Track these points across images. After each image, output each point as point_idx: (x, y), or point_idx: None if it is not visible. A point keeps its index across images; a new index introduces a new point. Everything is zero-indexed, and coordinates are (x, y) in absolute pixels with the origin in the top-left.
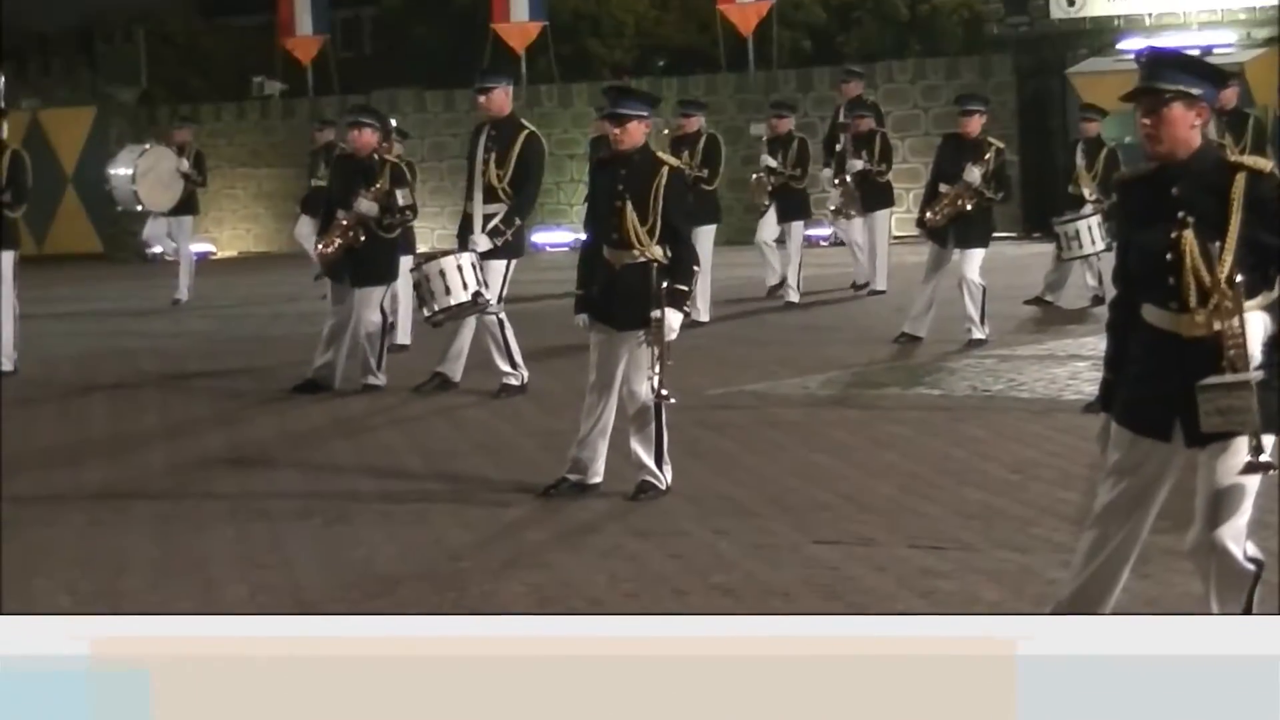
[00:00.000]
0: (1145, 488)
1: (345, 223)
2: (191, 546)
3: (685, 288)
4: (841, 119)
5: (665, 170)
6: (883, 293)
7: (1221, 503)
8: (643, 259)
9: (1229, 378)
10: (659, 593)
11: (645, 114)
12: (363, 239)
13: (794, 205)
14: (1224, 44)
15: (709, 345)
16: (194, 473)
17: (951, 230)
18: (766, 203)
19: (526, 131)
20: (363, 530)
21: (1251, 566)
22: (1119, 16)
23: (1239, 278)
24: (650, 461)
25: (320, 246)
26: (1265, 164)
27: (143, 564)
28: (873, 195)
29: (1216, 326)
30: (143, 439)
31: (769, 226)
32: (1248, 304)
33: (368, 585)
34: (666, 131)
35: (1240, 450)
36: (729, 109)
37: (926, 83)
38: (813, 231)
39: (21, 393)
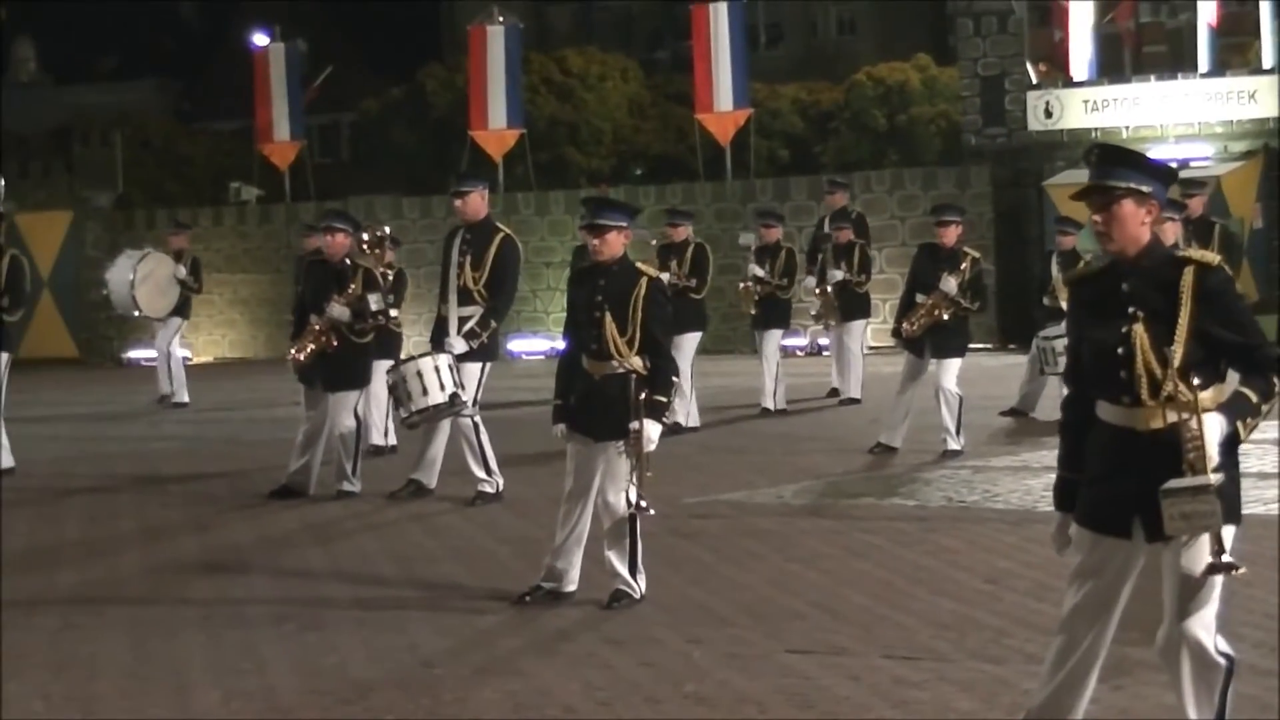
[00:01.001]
0: (1109, 588)
1: (318, 328)
2: (165, 651)
3: (664, 399)
4: (825, 230)
5: (644, 280)
6: (858, 401)
7: (1188, 595)
8: (622, 369)
9: (1191, 481)
10: (632, 701)
11: (625, 224)
12: (335, 344)
13: (776, 314)
14: (1201, 157)
15: (685, 453)
16: (168, 577)
17: (928, 340)
18: (753, 311)
19: (502, 234)
20: (336, 636)
21: (1223, 661)
22: (1096, 129)
23: (1196, 381)
24: (624, 570)
25: (293, 352)
26: (1213, 257)
27: (116, 669)
28: (850, 305)
29: (1170, 419)
30: (118, 543)
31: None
32: (1202, 396)
33: (341, 691)
34: (655, 241)
35: (1203, 544)
36: (706, 217)
37: (904, 192)
38: (789, 341)
39: None
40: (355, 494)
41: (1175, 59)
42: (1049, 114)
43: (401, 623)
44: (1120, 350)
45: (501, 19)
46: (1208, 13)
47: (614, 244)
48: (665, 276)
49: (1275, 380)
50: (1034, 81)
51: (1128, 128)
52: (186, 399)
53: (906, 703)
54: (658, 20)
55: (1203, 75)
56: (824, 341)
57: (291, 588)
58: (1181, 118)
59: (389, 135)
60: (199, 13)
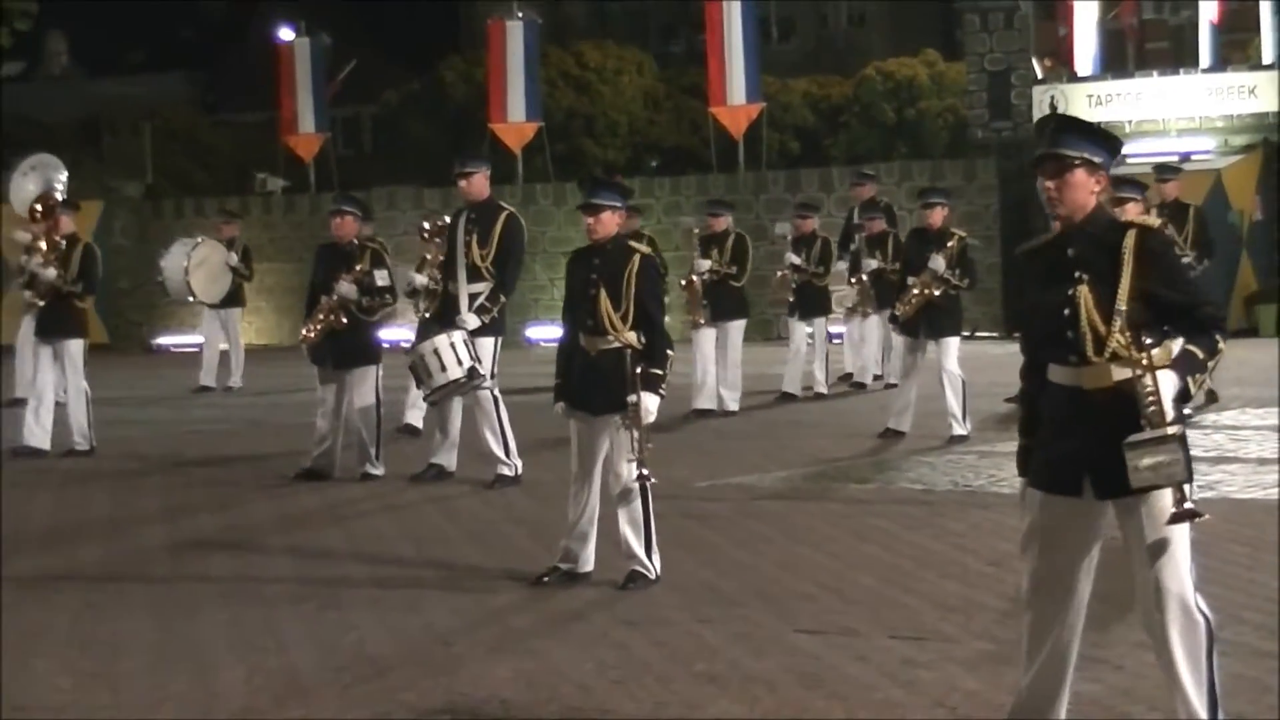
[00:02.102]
0: (1069, 557)
1: (327, 306)
2: (188, 630)
3: (660, 371)
4: (855, 220)
5: (637, 258)
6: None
7: (1159, 553)
8: (617, 344)
9: (1155, 433)
10: (644, 680)
11: (619, 204)
12: (344, 321)
13: (815, 302)
14: (1202, 150)
15: (696, 439)
16: (191, 556)
17: (923, 322)
18: (790, 299)
19: (506, 212)
20: (355, 615)
21: (1203, 619)
22: (1100, 123)
23: (1149, 340)
24: (640, 551)
25: (304, 332)
26: (1154, 221)
27: (140, 647)
28: (885, 293)
29: (1117, 376)
30: (141, 523)
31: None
32: (1137, 354)
33: (360, 669)
34: (697, 231)
35: (1163, 499)
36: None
37: (912, 184)
38: (832, 328)
39: (23, 478)
40: (379, 477)
41: (1177, 55)
42: (1054, 108)
43: (419, 602)
44: (1066, 311)
45: (520, 14)
46: (1209, 9)
47: (608, 223)
48: (706, 264)
49: (1218, 338)
50: (1039, 76)
51: (1130, 122)
52: (240, 383)
53: (913, 682)
54: (672, 15)
55: (1204, 70)
56: (833, 329)
57: (311, 567)
58: (1183, 112)
59: (410, 127)
60: (224, 7)
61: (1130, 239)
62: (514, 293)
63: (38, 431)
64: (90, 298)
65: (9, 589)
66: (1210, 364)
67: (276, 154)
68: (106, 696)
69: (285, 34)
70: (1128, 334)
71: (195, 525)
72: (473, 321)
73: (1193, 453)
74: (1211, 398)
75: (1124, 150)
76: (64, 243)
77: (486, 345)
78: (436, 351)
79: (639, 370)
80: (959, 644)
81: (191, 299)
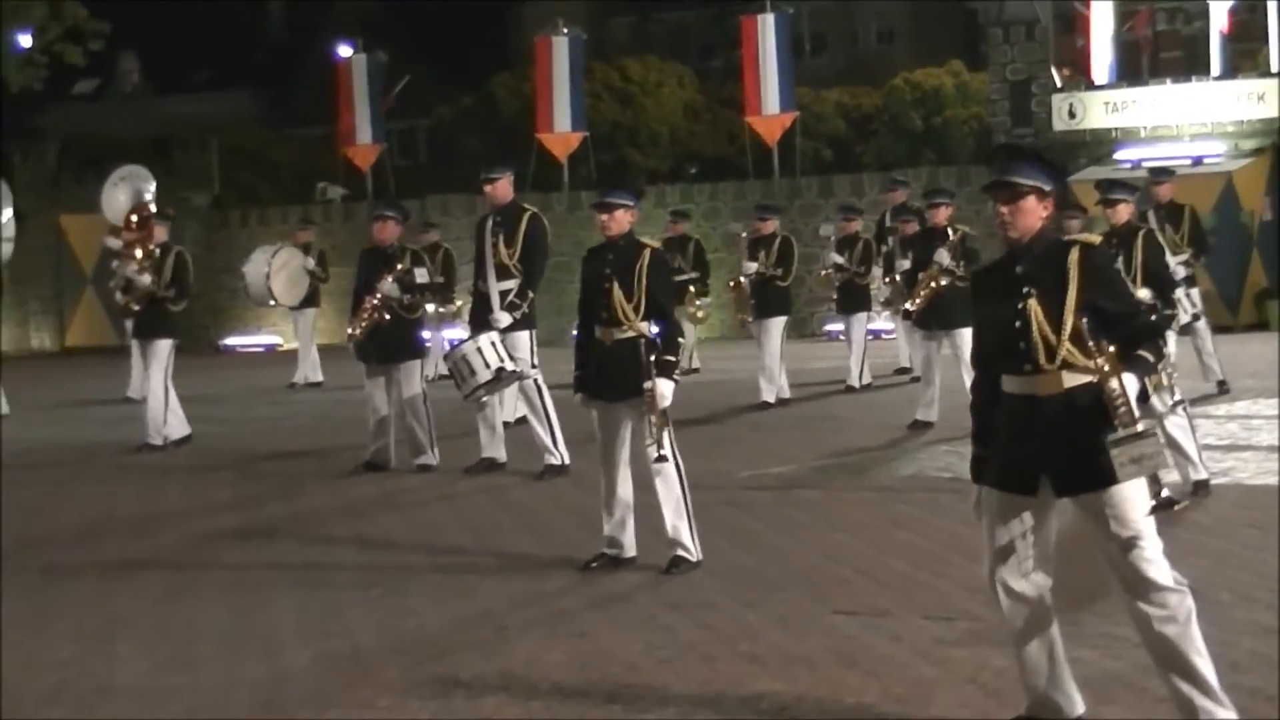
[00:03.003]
0: (1024, 549)
1: (371, 304)
2: (258, 614)
3: (672, 358)
4: (889, 223)
5: (647, 252)
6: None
7: (1134, 543)
8: (631, 334)
9: (1133, 430)
10: (690, 660)
11: (631, 203)
12: (387, 317)
13: (857, 299)
14: (1213, 154)
15: (737, 431)
16: (261, 546)
17: (934, 316)
18: (834, 296)
19: (529, 213)
20: (416, 600)
21: (1181, 587)
22: (1116, 129)
23: (1112, 348)
24: (685, 536)
25: (349, 331)
26: (1095, 238)
27: (214, 631)
28: None
29: (1068, 383)
30: (214, 514)
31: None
32: (1100, 362)
33: (421, 651)
34: (744, 234)
35: (1126, 494)
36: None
37: (953, 189)
38: (874, 325)
39: (105, 475)
40: (434, 467)
41: (1190, 63)
42: (1072, 115)
43: (475, 588)
44: (1017, 324)
45: (566, 31)
46: (1220, 20)
47: (621, 220)
48: (754, 266)
49: (1161, 342)
50: (1059, 85)
51: (1145, 127)
52: (321, 378)
53: (944, 661)
54: (710, 31)
55: (1215, 78)
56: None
57: (374, 555)
58: (1196, 118)
59: (462, 139)
60: (286, 27)
61: (1074, 255)
62: (563, 293)
63: (176, 423)
64: (183, 302)
65: (95, 576)
66: (1159, 367)
67: (336, 165)
68: (183, 679)
69: (344, 52)
70: (1078, 344)
71: (264, 515)
72: (505, 319)
73: (1207, 440)
74: (1223, 389)
75: (1141, 155)
76: (158, 250)
77: (522, 339)
78: (467, 357)
79: (653, 358)
80: (987, 624)
81: (272, 302)
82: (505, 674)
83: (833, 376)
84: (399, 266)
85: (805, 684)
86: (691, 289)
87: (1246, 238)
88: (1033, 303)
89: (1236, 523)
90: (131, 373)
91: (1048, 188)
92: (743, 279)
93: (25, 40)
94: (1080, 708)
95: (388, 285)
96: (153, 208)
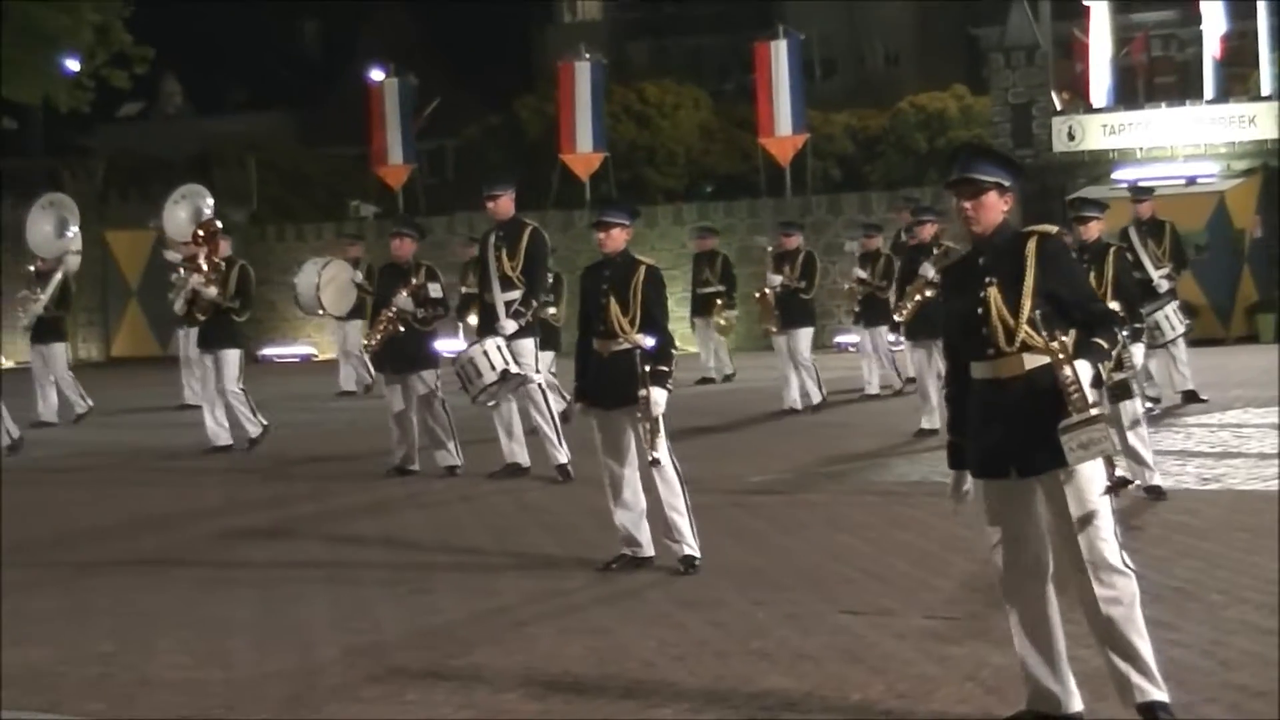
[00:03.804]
0: (1019, 532)
1: (386, 317)
2: (290, 610)
3: (666, 368)
4: (903, 238)
5: (643, 268)
6: None
7: (1089, 523)
8: (626, 345)
9: (1082, 416)
10: (703, 656)
11: (626, 221)
12: (402, 330)
13: (879, 312)
14: (1207, 174)
15: (747, 437)
16: (292, 544)
17: (922, 326)
18: (856, 309)
19: (530, 227)
20: (440, 597)
21: (1129, 570)
22: (1113, 150)
23: (1071, 336)
24: (687, 534)
25: (365, 341)
26: (1051, 228)
27: (247, 627)
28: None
29: (1029, 365)
30: (248, 514)
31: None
32: (1054, 346)
33: (447, 647)
34: (771, 249)
35: (1085, 475)
36: (768, 229)
37: (943, 206)
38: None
39: (146, 476)
40: (459, 467)
41: (1184, 88)
42: (1071, 137)
43: (497, 586)
44: (979, 310)
45: (587, 56)
46: (1212, 47)
47: (617, 238)
48: (778, 279)
49: (1115, 330)
50: (1058, 108)
51: (1141, 148)
52: (355, 389)
53: (946, 658)
54: (725, 56)
55: (1208, 102)
56: (847, 339)
57: (400, 554)
58: (1189, 139)
59: (489, 158)
60: (321, 50)
61: (1031, 245)
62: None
63: (220, 432)
64: (246, 313)
65: (134, 573)
66: (1113, 352)
67: (368, 183)
68: (219, 672)
69: (376, 75)
70: (1035, 327)
71: (296, 515)
72: (510, 326)
73: (1199, 448)
74: (1189, 398)
75: (1137, 175)
76: (223, 264)
77: (526, 346)
78: (473, 360)
79: (647, 368)
80: (987, 622)
81: (321, 312)
82: (526, 668)
83: (843, 386)
84: (414, 281)
85: (812, 680)
86: (719, 301)
87: (1238, 254)
88: (993, 290)
89: (1229, 526)
90: (184, 380)
91: (1007, 183)
92: (768, 291)
93: (74, 65)
94: (1078, 704)
95: (402, 299)
96: (218, 224)
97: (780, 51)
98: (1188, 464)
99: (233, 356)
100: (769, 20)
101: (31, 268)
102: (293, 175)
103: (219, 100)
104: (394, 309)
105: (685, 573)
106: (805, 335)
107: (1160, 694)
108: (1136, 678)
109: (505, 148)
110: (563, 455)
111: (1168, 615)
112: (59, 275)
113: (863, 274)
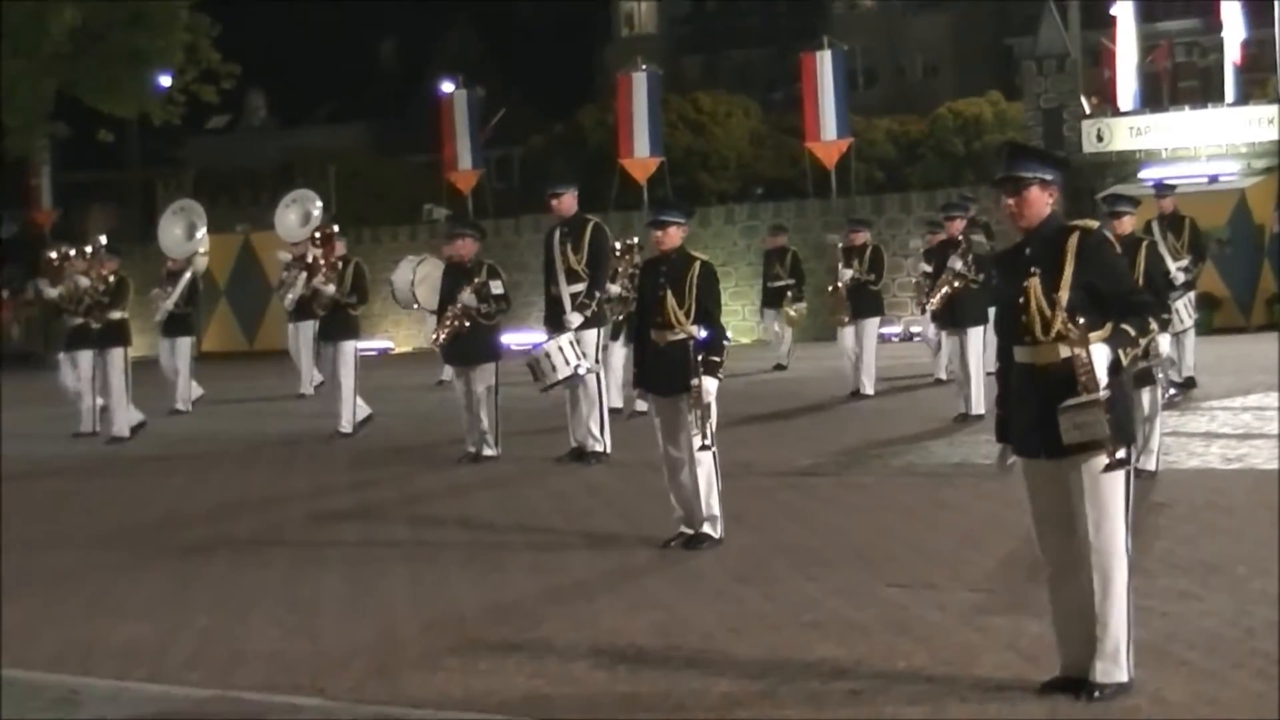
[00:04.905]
0: (1055, 511)
1: (452, 313)
2: (374, 587)
3: (718, 359)
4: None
5: (697, 264)
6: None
7: (1099, 504)
8: (681, 336)
9: (1082, 399)
10: (759, 629)
11: (682, 220)
12: (467, 325)
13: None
14: (1228, 173)
15: (799, 423)
16: (376, 525)
17: (951, 314)
18: (922, 301)
19: (593, 222)
20: (513, 574)
21: (1125, 558)
22: (1140, 150)
23: (1081, 320)
24: (716, 512)
25: (433, 336)
26: (1093, 224)
27: (335, 602)
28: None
29: (1063, 354)
30: (334, 497)
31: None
32: (1091, 335)
33: (519, 621)
34: (840, 244)
35: (1098, 460)
36: (815, 228)
37: (979, 207)
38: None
39: (238, 462)
40: (494, 458)
41: (1206, 92)
42: (1100, 139)
43: (566, 564)
44: (1021, 299)
45: (644, 68)
46: (1233, 53)
47: (674, 236)
48: (849, 273)
49: (1150, 319)
50: (1087, 112)
51: (1166, 149)
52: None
53: (986, 628)
54: (774, 67)
55: (1229, 105)
56: (915, 330)
57: (475, 534)
58: (1211, 140)
59: (553, 164)
60: (397, 65)
61: (1073, 240)
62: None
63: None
64: (362, 307)
65: (228, 553)
66: (1142, 340)
67: (440, 188)
68: (307, 646)
69: (447, 87)
70: (1070, 319)
71: (378, 499)
72: (576, 319)
73: (1223, 430)
74: (1190, 384)
75: (1162, 174)
76: (339, 263)
77: (590, 336)
78: (548, 354)
79: (700, 357)
80: (1025, 595)
81: (415, 306)
82: (593, 640)
83: (890, 374)
84: (476, 280)
85: (862, 649)
86: (789, 294)
87: (1258, 248)
88: (1034, 281)
89: (1252, 504)
90: (301, 372)
91: (1049, 177)
92: (839, 284)
93: (166, 81)
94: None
95: (466, 296)
96: (334, 227)
97: (825, 62)
98: (1212, 445)
99: (349, 349)
100: (814, 33)
101: (164, 270)
102: (370, 182)
103: (302, 113)
104: (459, 305)
105: (702, 548)
106: (873, 325)
107: (1123, 675)
108: (1104, 660)
109: (568, 154)
110: (600, 445)
111: (1196, 587)
112: (188, 274)
113: (928, 269)
